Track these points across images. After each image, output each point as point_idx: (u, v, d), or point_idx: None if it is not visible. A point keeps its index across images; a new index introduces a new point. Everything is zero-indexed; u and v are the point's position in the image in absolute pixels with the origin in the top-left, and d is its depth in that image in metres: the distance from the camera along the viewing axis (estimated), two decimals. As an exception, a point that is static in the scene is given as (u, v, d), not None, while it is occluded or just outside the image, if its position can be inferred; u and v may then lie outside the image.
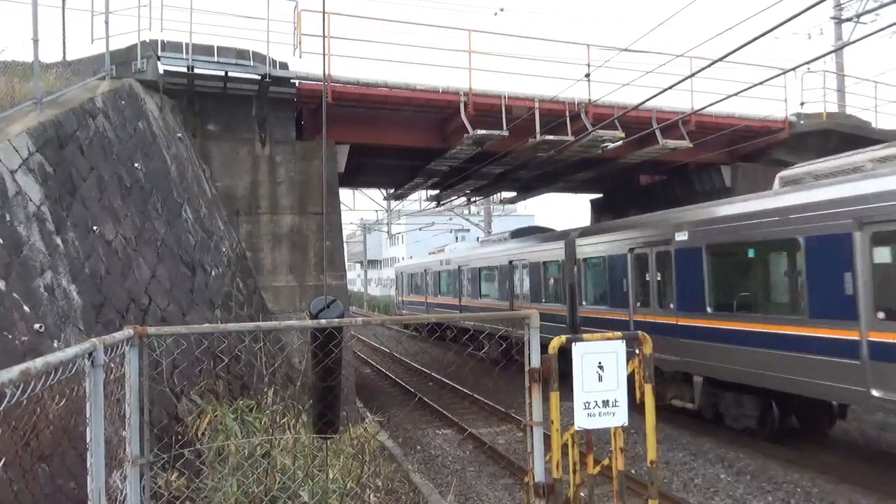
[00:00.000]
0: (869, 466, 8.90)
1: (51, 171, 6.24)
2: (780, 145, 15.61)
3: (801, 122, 15.49)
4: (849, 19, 18.43)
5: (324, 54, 6.13)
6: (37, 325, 5.02)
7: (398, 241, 71.92)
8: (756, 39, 7.31)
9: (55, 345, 5.03)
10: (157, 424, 5.01)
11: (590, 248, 14.29)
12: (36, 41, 7.34)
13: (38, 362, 2.12)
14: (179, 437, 5.36)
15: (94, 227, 6.63)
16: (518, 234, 20.81)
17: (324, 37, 6.43)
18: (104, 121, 8.10)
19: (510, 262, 18.92)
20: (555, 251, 16.11)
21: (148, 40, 10.78)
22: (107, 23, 9.91)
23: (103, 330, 5.64)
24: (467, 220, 38.98)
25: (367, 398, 14.99)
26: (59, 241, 5.90)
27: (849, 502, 7.82)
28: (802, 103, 15.28)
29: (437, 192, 21.89)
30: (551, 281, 16.52)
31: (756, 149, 15.61)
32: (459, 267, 23.72)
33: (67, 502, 4.08)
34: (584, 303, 14.61)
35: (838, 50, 16.97)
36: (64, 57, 10.70)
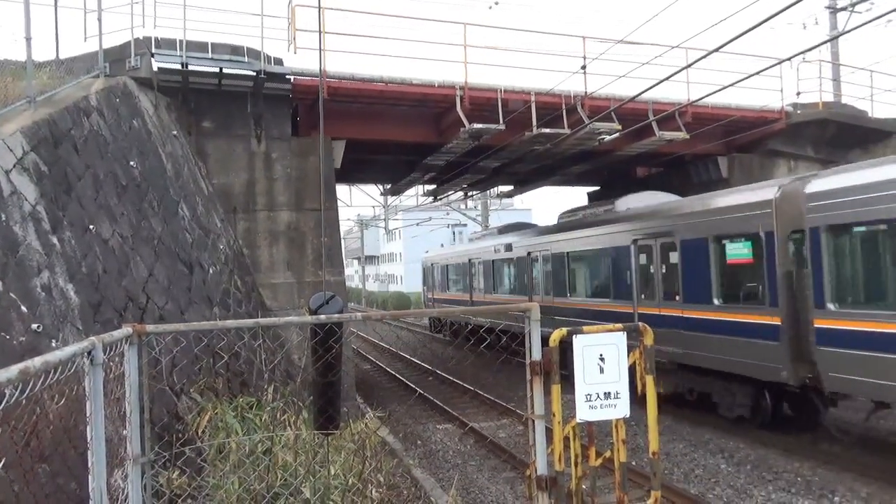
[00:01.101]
0: (869, 455, 8.93)
1: (46, 170, 6.20)
2: (777, 136, 15.60)
3: (798, 112, 15.48)
4: (844, 8, 18.40)
5: (319, 49, 6.10)
6: (34, 325, 4.99)
7: (395, 236, 71.90)
8: (752, 30, 7.29)
9: (53, 344, 5.01)
10: (157, 423, 4.99)
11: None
12: (29, 39, 7.29)
13: (36, 361, 2.10)
14: (180, 435, 5.35)
15: (91, 226, 6.60)
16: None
17: (319, 32, 6.40)
18: (99, 119, 8.05)
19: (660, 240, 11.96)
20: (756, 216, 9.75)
21: (141, 37, 10.72)
22: (100, 20, 9.85)
23: (101, 329, 5.62)
24: (465, 214, 38.95)
25: (367, 394, 15.00)
26: (55, 240, 5.87)
27: (849, 491, 7.84)
28: (798, 93, 15.27)
29: (434, 187, 21.86)
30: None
31: (753, 139, 15.60)
32: (531, 254, 17.53)
33: (69, 502, 4.06)
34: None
35: (833, 39, 16.95)
36: (57, 55, 10.63)
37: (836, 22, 18.60)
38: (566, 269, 15.75)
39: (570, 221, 16.68)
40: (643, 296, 12.54)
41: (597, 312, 13.77)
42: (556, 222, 17.85)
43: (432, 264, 28.59)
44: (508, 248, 19.18)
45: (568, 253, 15.64)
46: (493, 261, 20.67)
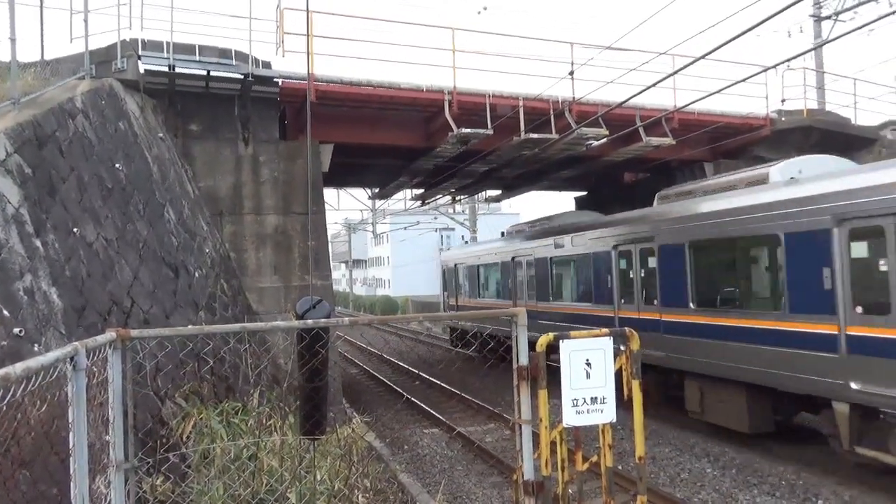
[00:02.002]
0: (853, 461, 9.00)
1: (29, 172, 6.14)
2: (762, 142, 15.76)
3: (783, 118, 15.65)
4: (828, 17, 18.67)
5: (307, 53, 6.10)
6: (16, 330, 4.93)
7: (383, 240, 71.82)
8: (737, 37, 7.36)
9: (36, 349, 4.95)
10: (141, 428, 4.94)
11: None
12: (13, 40, 7.22)
13: (17, 367, 2.07)
14: (164, 440, 5.30)
15: (75, 229, 6.54)
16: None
17: (307, 35, 6.41)
18: (84, 121, 7.98)
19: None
20: None
21: (128, 39, 10.65)
22: (86, 21, 9.78)
23: (85, 333, 5.56)
24: (452, 218, 38.99)
25: (354, 399, 14.93)
26: (38, 243, 5.81)
27: (833, 494, 7.91)
28: (783, 100, 15.44)
29: (422, 191, 21.86)
30: None
31: (738, 146, 15.75)
32: (624, 248, 12.57)
33: (50, 509, 4.01)
34: None
35: (818, 48, 17.15)
36: (42, 56, 10.54)
37: (821, 30, 18.86)
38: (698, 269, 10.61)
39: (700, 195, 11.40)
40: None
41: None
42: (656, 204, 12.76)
43: (456, 265, 23.08)
44: (568, 244, 14.43)
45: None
46: (546, 260, 15.69)
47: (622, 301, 12.73)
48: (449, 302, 23.98)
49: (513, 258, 17.88)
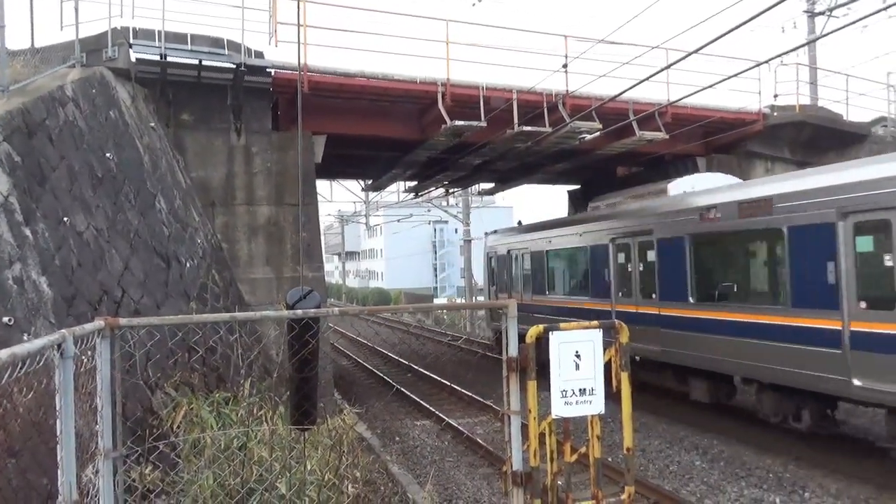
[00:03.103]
0: (839, 453, 9.09)
1: (19, 160, 6.10)
2: (755, 137, 15.80)
3: (775, 114, 15.70)
4: (821, 13, 18.69)
5: (299, 43, 6.06)
6: (6, 319, 4.91)
7: (376, 232, 71.76)
8: (731, 32, 7.37)
9: (25, 338, 4.93)
10: (130, 417, 4.94)
11: None
12: (2, 27, 7.16)
13: (3, 353, 2.07)
14: (154, 430, 5.30)
15: (65, 218, 6.50)
16: None
17: (299, 25, 6.36)
18: (74, 109, 7.92)
19: None
20: None
21: (119, 27, 10.56)
22: (76, 9, 9.69)
23: (75, 322, 5.54)
24: (446, 211, 38.95)
25: (344, 390, 14.95)
26: (28, 232, 5.77)
27: (819, 487, 7.99)
28: (776, 95, 15.49)
29: (415, 183, 21.82)
30: None
31: (731, 140, 15.79)
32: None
33: (39, 498, 4.01)
34: None
35: (811, 43, 17.21)
36: (32, 44, 10.44)
37: (815, 26, 18.89)
38: None
39: None
40: None
41: None
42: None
43: (510, 251, 17.96)
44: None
45: None
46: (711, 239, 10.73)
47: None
48: (496, 297, 18.61)
49: (612, 240, 13.16)
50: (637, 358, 11.46)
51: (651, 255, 11.94)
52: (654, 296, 11.79)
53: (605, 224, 13.62)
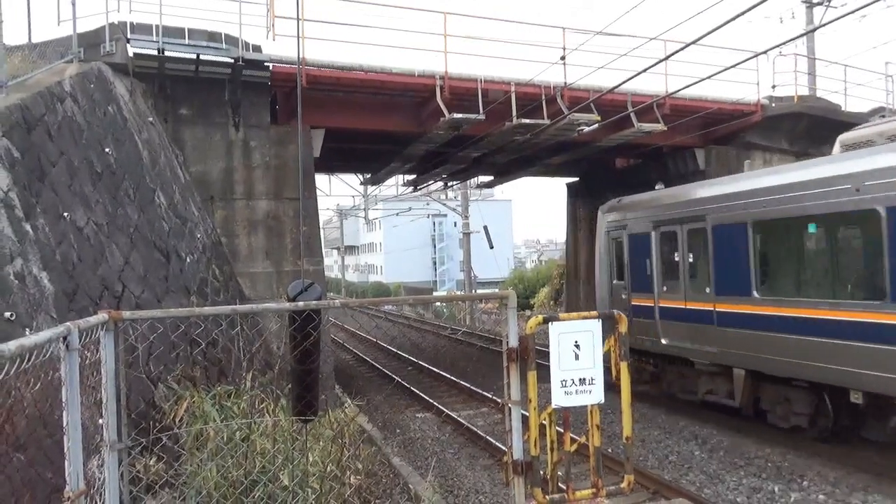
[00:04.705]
0: (837, 442, 9.14)
1: (18, 156, 6.11)
2: (753, 128, 15.80)
3: (773, 105, 15.69)
4: (820, 3, 18.66)
5: (298, 37, 6.09)
6: (7, 314, 4.94)
7: (375, 226, 71.75)
8: (729, 22, 7.37)
9: (27, 333, 4.96)
10: (133, 411, 4.97)
11: None
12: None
13: (11, 345, 2.09)
14: (157, 423, 5.33)
15: (65, 214, 6.52)
16: None
17: (298, 19, 6.38)
18: (73, 105, 7.92)
19: None
20: None
21: (116, 22, 10.55)
22: (74, 4, 9.68)
23: (76, 317, 5.55)
24: (444, 204, 38.97)
25: (346, 383, 15.01)
26: (28, 227, 5.79)
27: (817, 475, 8.04)
28: (774, 86, 15.48)
29: (413, 176, 21.81)
30: None
31: (729, 132, 15.79)
32: None
33: (45, 490, 4.04)
34: None
35: (809, 33, 17.18)
36: (30, 39, 10.43)
37: (813, 16, 18.86)
38: None
39: None
40: None
41: None
42: None
43: (657, 226, 11.63)
44: None
45: None
46: None
47: None
48: (630, 301, 12.07)
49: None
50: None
51: None
52: None
53: None
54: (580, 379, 4.06)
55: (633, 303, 12.09)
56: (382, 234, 72.36)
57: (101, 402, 3.24)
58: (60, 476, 3.11)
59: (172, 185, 10.34)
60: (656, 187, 12.85)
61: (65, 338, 2.61)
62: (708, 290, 10.28)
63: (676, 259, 11.18)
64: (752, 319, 9.37)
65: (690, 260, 10.88)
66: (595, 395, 4.12)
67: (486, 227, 30.42)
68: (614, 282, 13.05)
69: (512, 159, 17.59)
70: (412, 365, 17.90)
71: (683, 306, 10.91)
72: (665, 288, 11.47)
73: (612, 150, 16.43)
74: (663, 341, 11.27)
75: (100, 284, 6.65)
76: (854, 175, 7.97)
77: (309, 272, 11.55)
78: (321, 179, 28.62)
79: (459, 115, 12.50)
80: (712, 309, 10.13)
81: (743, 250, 9.56)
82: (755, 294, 9.38)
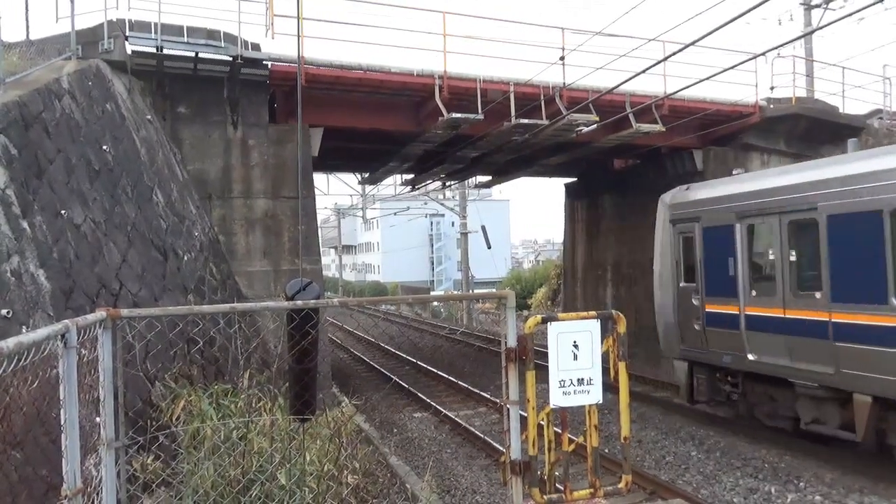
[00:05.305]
0: (833, 444, 9.16)
1: (16, 153, 6.09)
2: (751, 129, 15.82)
3: (771, 106, 15.71)
4: (818, 5, 18.70)
5: (298, 35, 6.08)
6: (4, 311, 4.92)
7: (373, 226, 71.71)
8: (727, 24, 7.38)
9: (23, 331, 4.94)
10: (130, 409, 4.96)
11: None
12: (-2, 19, 7.12)
13: (9, 342, 2.08)
14: (154, 422, 5.32)
15: (63, 211, 6.50)
16: None
17: (297, 18, 6.37)
18: (71, 102, 7.90)
19: None
20: None
21: (115, 19, 10.52)
22: (72, 1, 9.65)
23: (73, 315, 5.53)
24: (442, 204, 38.97)
25: (343, 383, 15.00)
26: (25, 225, 5.77)
27: (814, 476, 8.06)
28: (772, 88, 15.48)
29: (411, 176, 21.80)
30: None
31: (727, 133, 15.80)
32: None
33: (42, 488, 4.03)
34: None
35: (807, 35, 17.21)
36: (27, 36, 10.39)
37: (811, 18, 18.90)
38: None
39: None
40: None
41: None
42: None
43: (744, 217, 9.69)
44: None
45: None
46: None
47: None
48: (704, 308, 10.21)
49: None
50: None
51: None
52: None
53: None
54: (578, 379, 4.06)
55: (707, 309, 10.06)
56: (380, 233, 72.30)
57: (98, 401, 3.23)
58: (57, 474, 3.10)
59: (170, 183, 10.32)
60: (734, 172, 11.10)
61: (63, 335, 2.61)
62: (819, 295, 8.28)
63: (772, 257, 9.26)
64: (889, 334, 7.34)
65: (793, 258, 8.87)
66: (593, 395, 4.12)
67: (483, 227, 30.43)
68: (681, 284, 10.75)
69: (510, 159, 17.58)
70: (410, 364, 17.89)
71: (782, 315, 8.84)
72: (754, 292, 9.40)
73: (611, 150, 16.43)
74: (750, 357, 9.25)
75: (97, 282, 6.63)
76: None
77: (307, 271, 11.53)
78: (319, 178, 28.57)
79: (458, 115, 12.49)
80: (827, 319, 8.08)
81: (874, 246, 7.55)
82: (893, 301, 7.34)
